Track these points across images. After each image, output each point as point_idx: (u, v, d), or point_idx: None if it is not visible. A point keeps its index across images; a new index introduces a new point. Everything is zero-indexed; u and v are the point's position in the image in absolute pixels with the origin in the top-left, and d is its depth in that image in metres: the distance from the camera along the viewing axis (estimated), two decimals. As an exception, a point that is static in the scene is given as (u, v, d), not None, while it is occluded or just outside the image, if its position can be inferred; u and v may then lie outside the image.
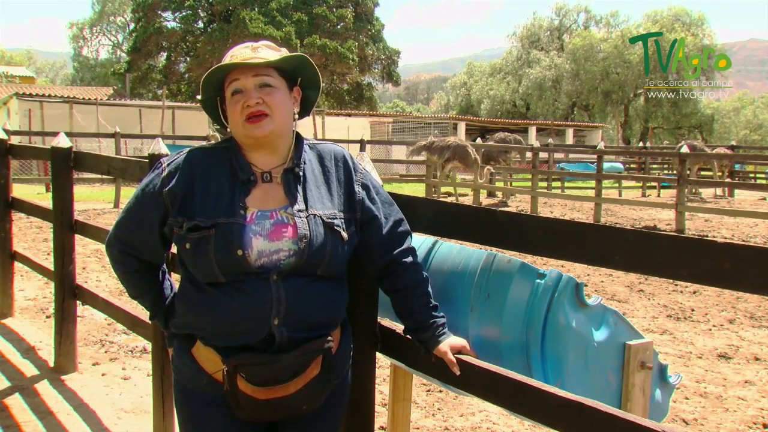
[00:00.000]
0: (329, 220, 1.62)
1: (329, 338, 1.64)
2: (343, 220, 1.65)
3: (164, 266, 1.82)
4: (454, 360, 1.69)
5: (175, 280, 1.86)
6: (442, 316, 1.75)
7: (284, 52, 1.67)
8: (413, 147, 15.11)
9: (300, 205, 1.61)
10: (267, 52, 1.64)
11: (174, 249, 1.70)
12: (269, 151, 1.65)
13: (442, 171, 14.34)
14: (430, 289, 1.76)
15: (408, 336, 1.81)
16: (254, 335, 1.55)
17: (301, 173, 1.65)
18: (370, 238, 1.71)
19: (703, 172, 19.00)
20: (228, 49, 1.74)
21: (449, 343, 1.72)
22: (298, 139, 1.71)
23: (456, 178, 15.02)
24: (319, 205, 1.63)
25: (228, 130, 1.67)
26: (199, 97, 1.70)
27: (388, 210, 1.74)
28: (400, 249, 1.73)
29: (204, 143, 1.89)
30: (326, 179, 1.69)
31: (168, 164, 1.65)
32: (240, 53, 1.63)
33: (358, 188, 1.70)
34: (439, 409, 3.66)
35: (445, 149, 13.90)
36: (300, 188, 1.64)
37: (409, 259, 1.74)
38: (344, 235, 1.64)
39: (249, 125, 1.59)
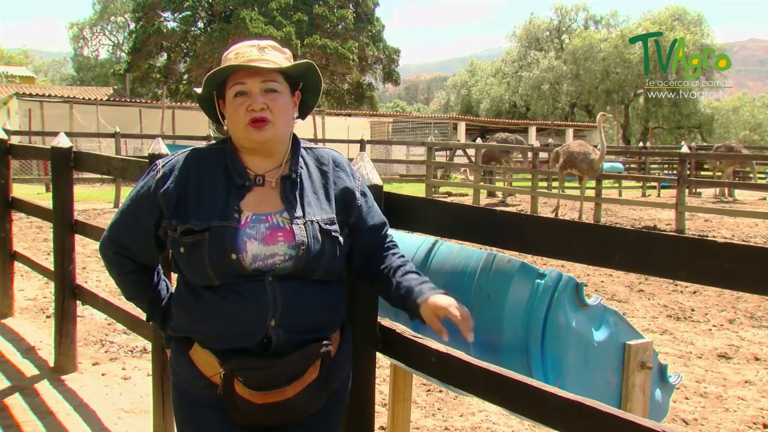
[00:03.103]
0: (327, 227, 1.60)
1: (328, 342, 1.62)
2: (338, 225, 1.64)
3: (159, 267, 1.80)
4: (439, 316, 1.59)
5: (172, 281, 1.85)
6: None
7: (288, 54, 1.65)
8: (552, 158, 13.57)
9: (297, 211, 1.59)
10: (274, 54, 1.61)
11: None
12: (266, 155, 1.63)
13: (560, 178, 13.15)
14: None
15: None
16: (251, 337, 1.54)
17: (297, 179, 1.63)
18: (361, 244, 1.71)
19: (703, 172, 18.99)
20: (230, 45, 1.72)
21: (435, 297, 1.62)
22: (295, 142, 1.69)
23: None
24: (316, 211, 1.61)
25: (225, 128, 1.65)
26: (198, 90, 1.66)
27: (378, 216, 1.75)
28: (389, 243, 1.76)
29: (203, 144, 1.84)
30: (324, 184, 1.67)
31: (163, 165, 1.63)
32: (246, 52, 1.59)
33: (358, 195, 1.70)
34: (439, 409, 3.66)
35: (559, 156, 12.60)
36: (297, 194, 1.62)
37: (397, 249, 1.76)
38: (341, 240, 1.63)
39: (252, 129, 1.57)
